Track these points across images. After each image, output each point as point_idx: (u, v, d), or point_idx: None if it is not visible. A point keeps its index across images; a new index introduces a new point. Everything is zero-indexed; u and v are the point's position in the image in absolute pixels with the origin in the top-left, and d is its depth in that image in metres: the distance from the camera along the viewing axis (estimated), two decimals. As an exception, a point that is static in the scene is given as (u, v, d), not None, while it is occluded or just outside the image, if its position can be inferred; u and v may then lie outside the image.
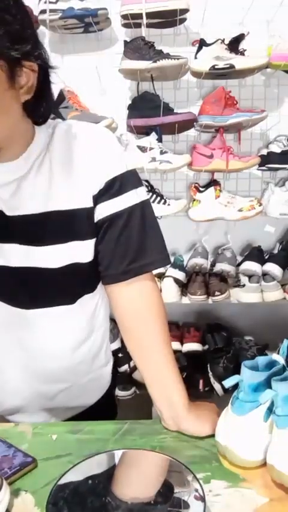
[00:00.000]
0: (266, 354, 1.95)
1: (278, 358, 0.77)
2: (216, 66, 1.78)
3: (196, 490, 0.66)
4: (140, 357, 0.90)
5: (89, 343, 0.97)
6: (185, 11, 1.79)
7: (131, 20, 1.80)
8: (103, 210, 0.85)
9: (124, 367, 2.06)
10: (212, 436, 0.81)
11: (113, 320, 1.03)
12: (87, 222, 0.85)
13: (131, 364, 2.06)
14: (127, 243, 0.87)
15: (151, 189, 1.97)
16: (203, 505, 0.64)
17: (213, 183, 1.98)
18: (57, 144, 0.83)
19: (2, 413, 0.96)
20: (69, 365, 0.95)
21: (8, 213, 0.82)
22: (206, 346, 2.16)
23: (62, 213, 0.83)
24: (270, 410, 0.74)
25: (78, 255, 0.86)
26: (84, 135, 0.85)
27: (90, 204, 0.84)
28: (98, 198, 0.84)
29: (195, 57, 1.85)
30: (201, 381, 2.04)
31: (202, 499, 0.65)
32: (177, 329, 2.18)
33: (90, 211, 0.85)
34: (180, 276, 2.03)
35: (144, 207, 0.88)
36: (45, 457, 0.79)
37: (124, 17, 1.80)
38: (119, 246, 0.86)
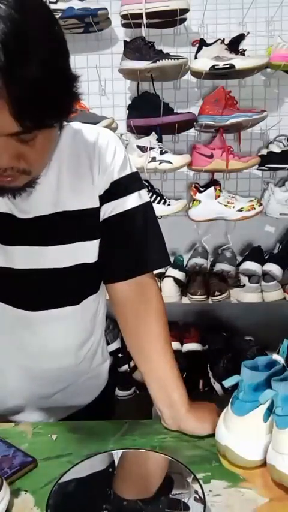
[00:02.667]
0: (266, 354, 1.95)
1: (278, 358, 0.77)
2: (216, 66, 1.78)
3: (196, 492, 0.66)
4: (140, 356, 0.90)
5: (89, 343, 0.97)
6: (185, 11, 1.79)
7: (131, 20, 1.80)
8: (107, 211, 0.86)
9: (124, 367, 2.06)
10: (212, 436, 0.81)
11: (113, 320, 1.03)
12: (94, 223, 0.86)
13: (131, 364, 2.05)
14: (129, 243, 0.87)
15: (151, 189, 1.97)
16: (203, 507, 0.64)
17: (213, 183, 1.98)
18: (64, 145, 0.83)
19: (3, 412, 0.96)
20: (70, 366, 0.95)
21: (19, 215, 0.82)
22: (206, 346, 2.16)
23: (70, 213, 0.83)
24: (270, 410, 0.74)
25: (85, 256, 0.87)
26: (90, 137, 0.85)
27: (97, 205, 0.85)
28: (103, 198, 0.85)
29: (195, 57, 1.85)
30: (201, 381, 2.04)
31: (202, 501, 0.65)
32: (177, 329, 2.18)
33: (96, 212, 0.86)
34: (180, 276, 2.03)
35: (146, 209, 0.89)
36: (45, 457, 0.79)
37: (124, 17, 1.80)
38: (121, 246, 0.87)
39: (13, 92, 0.57)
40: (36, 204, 0.82)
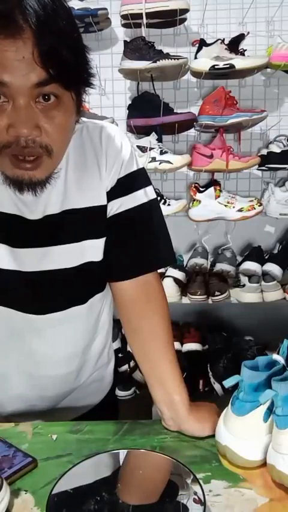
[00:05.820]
0: (266, 354, 1.95)
1: (278, 358, 0.77)
2: (216, 66, 1.78)
3: (195, 493, 0.66)
4: (141, 356, 0.89)
5: (94, 343, 0.97)
6: (185, 11, 1.80)
7: (131, 20, 1.80)
8: (114, 208, 0.85)
9: (124, 367, 2.06)
10: (212, 436, 0.81)
11: (113, 320, 1.03)
12: (101, 220, 0.85)
13: (131, 364, 2.06)
14: (135, 241, 0.87)
15: (151, 189, 1.98)
16: (203, 509, 0.63)
17: (213, 183, 1.98)
18: (71, 142, 0.82)
19: (4, 415, 0.96)
20: (75, 368, 0.95)
21: (28, 216, 0.81)
22: (206, 346, 2.16)
23: (77, 211, 0.83)
24: (270, 410, 0.74)
25: (92, 254, 0.86)
26: (96, 133, 0.85)
27: (104, 202, 0.84)
28: (110, 195, 0.85)
29: (195, 57, 1.85)
30: (201, 381, 2.04)
31: (201, 502, 0.64)
32: (177, 329, 2.18)
33: (103, 209, 0.85)
34: (180, 276, 2.03)
35: (152, 206, 0.88)
36: (45, 457, 0.79)
37: (124, 17, 1.80)
38: (127, 243, 0.87)
39: (43, 37, 0.62)
40: (44, 204, 0.81)
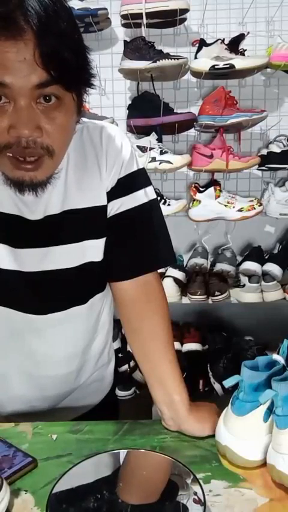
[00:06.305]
0: (266, 354, 1.95)
1: (278, 358, 0.77)
2: (216, 66, 1.78)
3: (195, 493, 0.66)
4: (141, 356, 0.89)
5: (94, 343, 0.97)
6: (185, 11, 1.80)
7: (131, 20, 1.80)
8: (114, 208, 0.85)
9: (124, 367, 2.06)
10: (212, 436, 0.81)
11: (113, 320, 1.03)
12: (101, 220, 0.85)
13: (131, 364, 2.06)
14: (135, 241, 0.87)
15: (151, 189, 1.98)
16: (203, 509, 0.63)
17: (213, 183, 1.98)
18: (72, 142, 0.82)
19: (4, 415, 0.96)
20: (75, 368, 0.95)
21: (29, 217, 0.81)
22: (206, 346, 2.16)
23: (78, 211, 0.83)
24: (270, 410, 0.74)
25: (92, 254, 0.86)
26: (96, 133, 0.85)
27: (104, 202, 0.85)
28: (110, 195, 0.85)
29: (195, 57, 1.85)
30: (201, 381, 2.04)
31: (201, 502, 0.64)
32: (177, 329, 2.18)
33: (104, 209, 0.85)
34: (180, 276, 2.03)
35: (152, 206, 0.88)
36: (45, 457, 0.79)
37: (124, 17, 1.80)
38: (127, 243, 0.87)
39: (44, 39, 0.62)
40: (45, 203, 0.81)
